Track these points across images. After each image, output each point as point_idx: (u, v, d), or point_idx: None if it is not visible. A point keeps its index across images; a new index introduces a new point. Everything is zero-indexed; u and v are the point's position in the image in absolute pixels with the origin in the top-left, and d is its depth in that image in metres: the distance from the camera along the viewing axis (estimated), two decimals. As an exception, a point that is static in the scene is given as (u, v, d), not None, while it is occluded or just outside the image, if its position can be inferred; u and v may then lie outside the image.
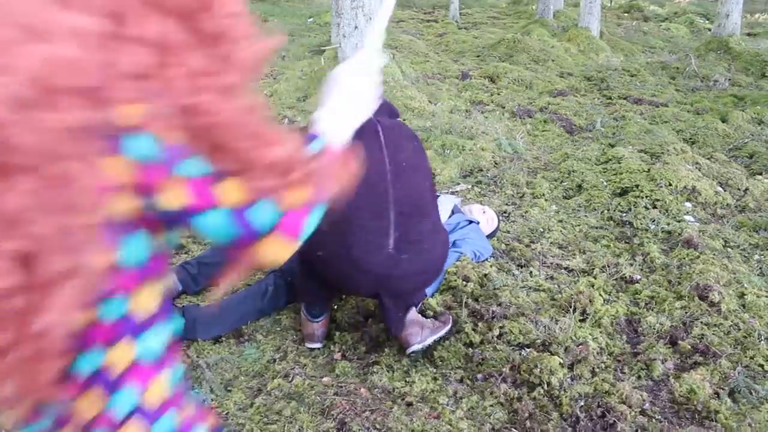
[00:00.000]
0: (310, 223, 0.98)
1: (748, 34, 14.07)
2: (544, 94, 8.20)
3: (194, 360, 2.82)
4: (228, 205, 0.87)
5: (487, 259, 3.75)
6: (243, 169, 0.86)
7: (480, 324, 3.04)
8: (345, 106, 1.15)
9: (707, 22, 16.96)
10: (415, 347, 2.86)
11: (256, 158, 0.87)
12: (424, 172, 2.87)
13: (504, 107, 7.45)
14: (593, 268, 3.72)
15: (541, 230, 4.25)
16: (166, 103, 0.78)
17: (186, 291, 3.37)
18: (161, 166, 0.79)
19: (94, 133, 0.72)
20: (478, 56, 10.70)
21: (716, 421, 2.51)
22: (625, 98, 8.15)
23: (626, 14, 18.57)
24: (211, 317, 3.00)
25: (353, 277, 2.68)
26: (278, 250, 0.95)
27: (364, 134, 2.64)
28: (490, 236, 4.01)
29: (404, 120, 6.44)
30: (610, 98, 8.22)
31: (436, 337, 2.91)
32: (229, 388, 2.69)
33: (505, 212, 4.53)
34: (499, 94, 8.07)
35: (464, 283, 3.36)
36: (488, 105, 7.56)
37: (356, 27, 6.83)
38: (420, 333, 2.89)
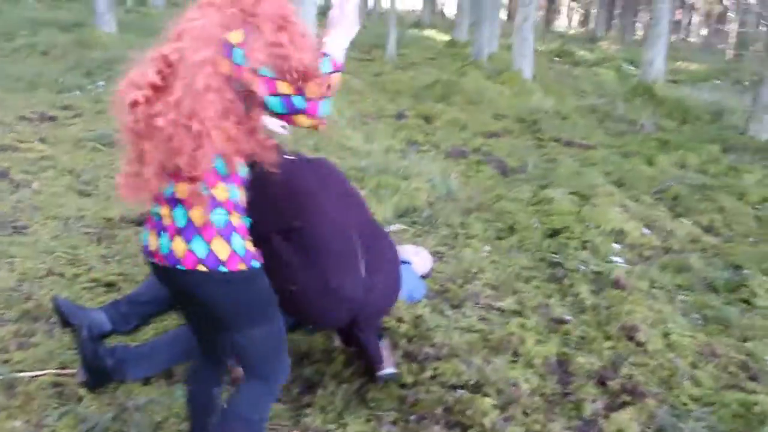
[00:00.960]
0: (323, 110, 1.84)
1: (672, 81, 14.66)
2: (478, 135, 8.36)
3: (122, 402, 2.74)
4: (281, 94, 1.81)
5: (420, 300, 3.78)
6: (290, 75, 1.80)
7: (413, 365, 3.06)
8: (341, 32, 1.96)
9: (633, 68, 17.63)
10: (388, 371, 2.89)
11: (298, 72, 1.80)
12: (361, 198, 2.94)
13: (439, 147, 7.57)
14: (525, 309, 3.78)
15: (474, 271, 4.30)
16: (258, 38, 1.79)
17: (116, 330, 3.26)
18: (249, 68, 1.78)
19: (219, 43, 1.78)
20: (414, 96, 10.85)
21: (643, 460, 2.56)
22: (556, 140, 8.38)
23: (558, 58, 19.15)
24: (141, 357, 2.93)
25: (330, 308, 2.64)
26: (306, 122, 1.85)
27: (304, 169, 2.67)
28: (425, 277, 4.03)
29: (340, 159, 6.47)
30: (542, 140, 8.44)
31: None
32: (158, 431, 2.62)
33: (439, 253, 4.57)
34: (434, 135, 8.19)
35: (398, 324, 3.37)
36: (423, 145, 7.67)
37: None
38: (391, 357, 2.95)
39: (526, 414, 2.80)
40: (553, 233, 4.88)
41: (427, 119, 8.95)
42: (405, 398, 2.87)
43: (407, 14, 38.99)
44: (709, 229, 5.31)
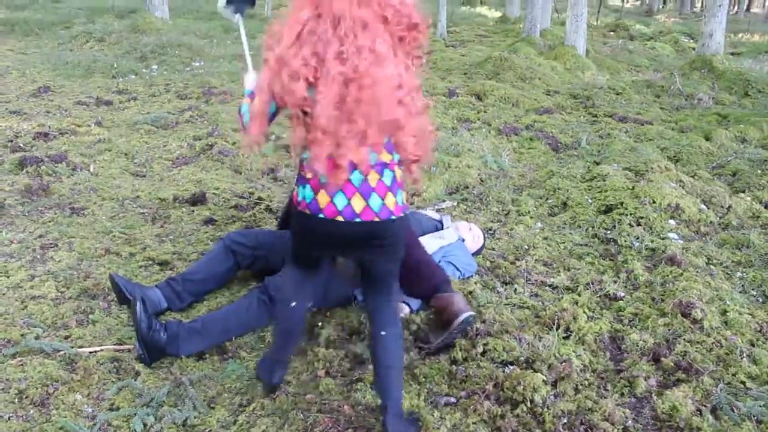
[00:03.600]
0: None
1: (732, 53, 14.23)
2: (531, 112, 8.25)
3: (177, 377, 2.80)
4: None
5: (471, 276, 3.76)
6: None
7: (464, 341, 3.05)
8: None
9: (692, 41, 17.16)
10: (467, 314, 3.04)
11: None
12: None
13: (490, 125, 7.49)
14: (577, 285, 3.74)
15: (526, 247, 4.26)
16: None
17: (171, 307, 3.35)
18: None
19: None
20: (465, 74, 10.76)
21: (698, 438, 2.52)
22: (610, 116, 8.21)
23: (612, 33, 18.74)
24: (194, 332, 2.99)
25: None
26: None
27: None
28: (475, 254, 4.02)
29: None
30: (596, 116, 8.28)
31: (452, 330, 3.04)
32: (212, 405, 2.68)
33: (490, 229, 4.55)
34: (485, 112, 8.11)
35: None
36: (475, 122, 7.60)
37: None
38: (435, 332, 3.04)
39: (577, 390, 2.77)
40: (607, 209, 4.80)
41: (479, 96, 8.87)
42: (455, 374, 2.87)
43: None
44: (770, 205, 5.16)
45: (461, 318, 3.02)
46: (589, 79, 10.87)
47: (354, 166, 2.21)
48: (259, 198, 4.96)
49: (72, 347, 2.93)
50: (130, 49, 10.75)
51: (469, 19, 21.44)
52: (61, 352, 2.87)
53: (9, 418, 2.47)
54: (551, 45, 13.01)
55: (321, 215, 2.28)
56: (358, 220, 2.27)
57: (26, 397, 2.59)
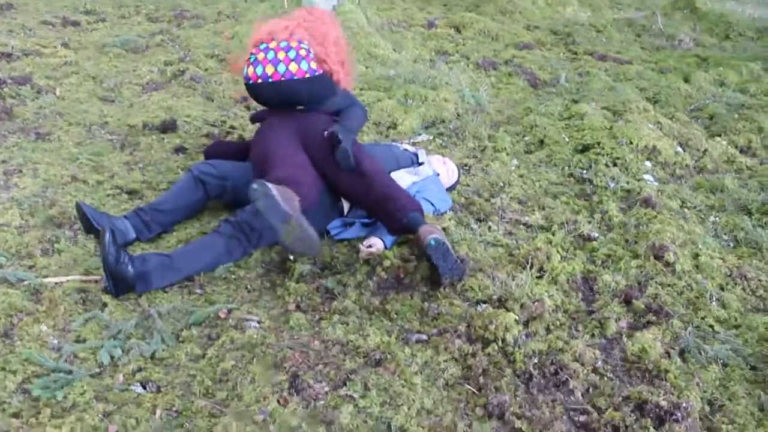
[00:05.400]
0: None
1: (715, -6, 14.07)
2: (510, 47, 8.12)
3: (145, 309, 2.76)
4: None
5: (445, 212, 3.73)
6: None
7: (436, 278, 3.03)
8: None
9: (675, -21, 16.92)
10: (437, 236, 2.99)
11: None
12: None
13: (469, 58, 7.37)
14: (552, 225, 3.73)
15: (501, 185, 4.23)
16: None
17: (139, 238, 3.29)
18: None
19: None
20: (444, 5, 10.54)
21: (666, 380, 2.54)
22: (590, 54, 8.11)
23: (595, -32, 18.41)
24: (164, 268, 2.92)
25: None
26: None
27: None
28: (450, 189, 3.98)
29: (367, 67, 6.33)
30: (576, 53, 8.18)
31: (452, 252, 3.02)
32: (180, 339, 2.64)
33: (466, 165, 4.50)
34: (464, 45, 7.97)
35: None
36: (453, 55, 7.47)
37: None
38: (441, 233, 3.06)
39: (548, 330, 2.78)
40: (584, 149, 4.76)
41: (458, 29, 8.70)
42: (427, 311, 2.85)
43: None
44: (745, 150, 5.15)
45: (425, 243, 3.00)
46: (570, 15, 10.71)
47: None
48: (231, 127, 4.85)
49: (37, 277, 2.86)
50: (100, -33, 10.35)
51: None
52: (26, 282, 2.80)
53: (-29, 348, 2.42)
54: (533, -22, 12.75)
55: None
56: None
57: (-11, 327, 2.53)
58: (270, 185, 2.87)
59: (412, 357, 2.58)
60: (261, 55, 3.42)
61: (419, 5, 10.38)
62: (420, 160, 3.96)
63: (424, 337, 2.72)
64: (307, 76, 3.42)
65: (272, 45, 3.43)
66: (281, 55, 3.40)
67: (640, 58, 8.15)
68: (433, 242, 2.95)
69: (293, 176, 3.14)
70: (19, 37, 6.55)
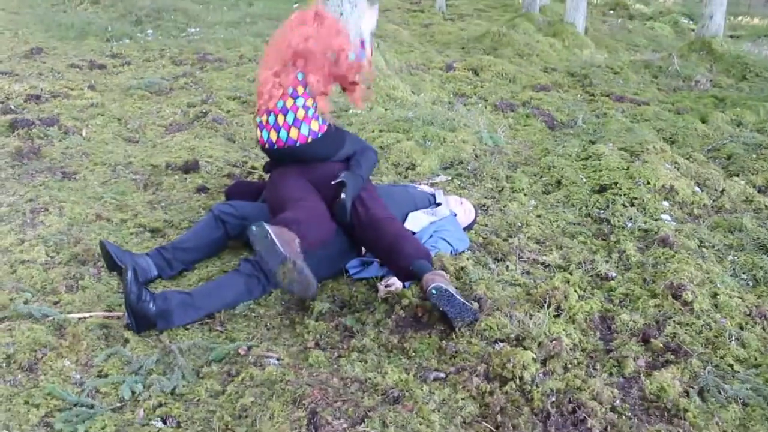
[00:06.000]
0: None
1: (731, 36, 14.18)
2: (527, 89, 8.21)
3: (166, 345, 2.80)
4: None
5: (463, 252, 3.75)
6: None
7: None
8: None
9: (691, 22, 17.07)
10: (440, 284, 2.94)
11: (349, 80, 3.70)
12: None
13: (487, 100, 7.46)
14: (569, 264, 3.74)
15: (519, 225, 4.25)
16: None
17: (161, 275, 3.34)
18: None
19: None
20: (463, 48, 10.69)
21: (685, 419, 2.53)
22: (607, 95, 8.18)
23: (612, 11, 18.63)
24: (185, 306, 2.97)
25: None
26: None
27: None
28: (467, 228, 4.01)
29: (386, 110, 6.42)
30: (593, 95, 8.25)
31: (458, 296, 2.97)
32: (201, 375, 2.67)
33: (483, 206, 4.53)
34: (482, 87, 8.07)
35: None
36: (471, 97, 7.56)
37: (341, 14, 6.78)
38: (444, 280, 3.02)
39: (566, 369, 2.78)
40: (601, 189, 4.79)
41: (476, 71, 8.82)
42: (445, 349, 2.87)
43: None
44: (763, 190, 5.15)
45: (427, 294, 3.00)
46: (587, 57, 10.82)
47: None
48: (252, 167, 4.93)
49: (61, 313, 2.91)
50: (125, 13, 10.63)
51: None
52: (50, 318, 2.86)
53: (-4, 382, 2.46)
54: (550, 21, 12.92)
55: None
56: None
57: (14, 362, 2.58)
58: (268, 227, 2.91)
59: (430, 395, 2.58)
60: (264, 118, 3.49)
61: (438, 48, 10.54)
62: (437, 201, 4.00)
63: (442, 375, 2.73)
64: (310, 140, 3.47)
65: (271, 105, 3.45)
66: (281, 120, 3.45)
67: (657, 99, 8.20)
68: (434, 291, 2.96)
69: (298, 217, 3.18)
70: (48, 80, 6.73)
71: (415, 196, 3.96)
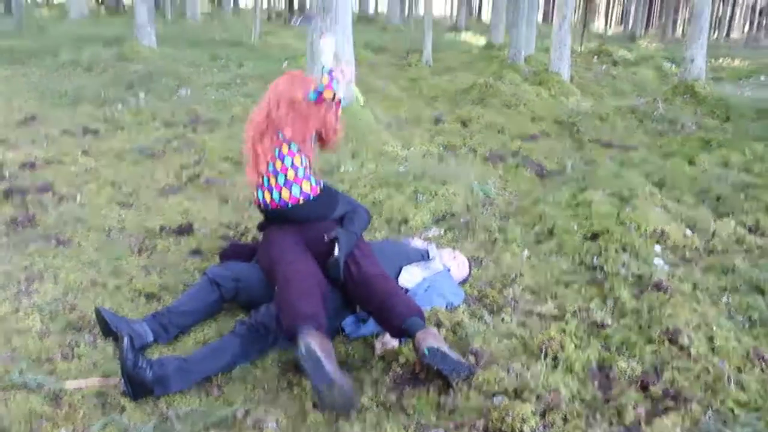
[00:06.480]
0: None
1: (713, 78, 14.40)
2: (516, 138, 8.30)
3: (163, 411, 2.78)
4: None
5: (459, 306, 3.76)
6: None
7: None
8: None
9: (674, 66, 17.35)
10: (432, 344, 2.92)
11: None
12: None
13: (476, 151, 7.53)
14: (565, 313, 3.74)
15: (513, 276, 4.27)
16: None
17: (157, 340, 3.34)
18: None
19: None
20: (451, 101, 10.82)
21: (687, 467, 2.51)
22: (595, 142, 8.28)
23: (596, 58, 18.93)
24: (181, 372, 2.96)
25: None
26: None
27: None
28: (462, 282, 4.02)
29: (377, 166, 6.48)
30: (581, 142, 8.35)
31: (451, 353, 2.95)
32: (198, 441, 2.65)
33: (477, 258, 4.55)
34: (471, 138, 8.16)
35: (437, 330, 3.35)
36: (461, 149, 7.64)
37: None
38: (436, 338, 3.00)
39: (566, 420, 2.76)
40: (593, 236, 4.82)
41: (465, 123, 8.92)
42: (443, 405, 2.86)
43: (443, 19, 38.95)
44: (754, 230, 5.19)
45: (420, 354, 2.98)
46: (574, 105, 10.96)
47: None
48: (246, 228, 4.95)
49: (57, 382, 2.90)
50: (117, 78, 10.74)
51: (455, 46, 21.62)
52: (46, 387, 2.84)
53: (-8, 457, 2.44)
54: (536, 71, 13.12)
55: None
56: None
57: (10, 435, 2.56)
58: (314, 345, 2.84)
59: (430, 452, 2.57)
60: (258, 180, 3.62)
61: (426, 101, 10.68)
62: (431, 256, 4.02)
63: (442, 431, 2.72)
64: (302, 201, 3.57)
65: (262, 168, 3.58)
66: (272, 182, 3.57)
67: (644, 143, 8.31)
68: (426, 351, 2.94)
69: (317, 312, 3.13)
70: (42, 147, 6.78)
71: (408, 252, 3.98)
